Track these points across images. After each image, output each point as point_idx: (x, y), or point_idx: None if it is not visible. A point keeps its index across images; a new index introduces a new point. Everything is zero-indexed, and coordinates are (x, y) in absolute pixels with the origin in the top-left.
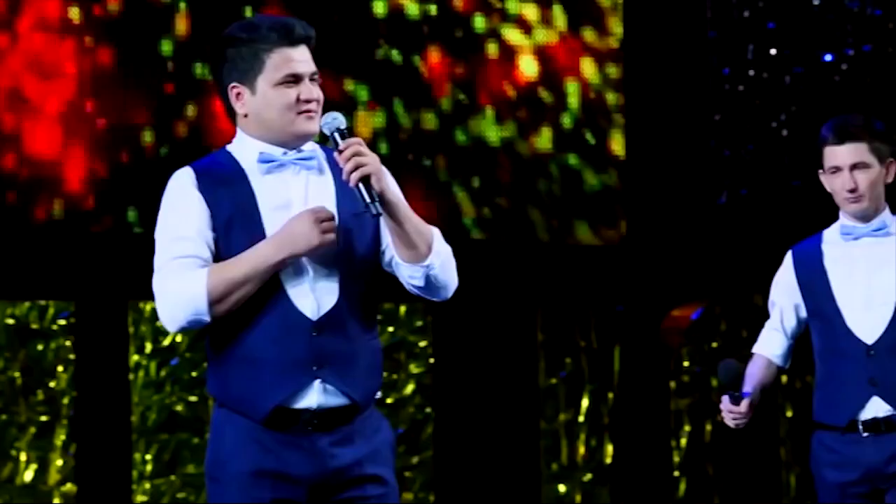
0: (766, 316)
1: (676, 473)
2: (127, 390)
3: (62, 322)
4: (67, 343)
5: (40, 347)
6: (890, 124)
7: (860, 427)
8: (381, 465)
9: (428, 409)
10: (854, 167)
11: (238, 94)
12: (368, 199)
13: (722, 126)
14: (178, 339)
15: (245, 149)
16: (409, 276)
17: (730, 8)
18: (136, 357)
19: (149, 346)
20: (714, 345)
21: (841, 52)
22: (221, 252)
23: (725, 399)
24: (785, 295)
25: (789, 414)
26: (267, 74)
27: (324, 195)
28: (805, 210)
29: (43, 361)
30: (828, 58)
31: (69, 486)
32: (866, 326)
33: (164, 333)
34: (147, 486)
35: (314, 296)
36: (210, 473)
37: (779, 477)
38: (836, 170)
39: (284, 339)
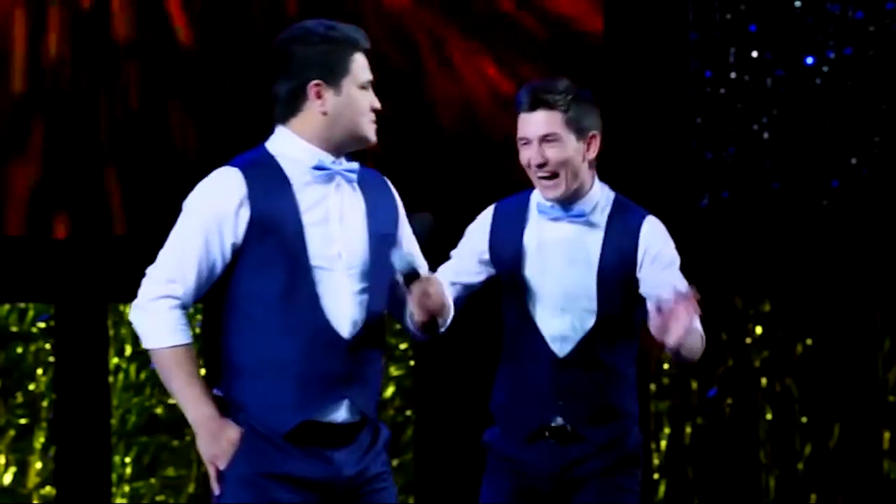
0: (748, 318)
1: (656, 476)
2: (107, 393)
3: (42, 325)
4: (47, 346)
5: (20, 350)
6: (872, 127)
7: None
8: (383, 464)
9: (408, 412)
10: (544, 139)
11: (319, 92)
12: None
13: (703, 129)
14: None
15: (293, 151)
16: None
17: (712, 11)
18: (115, 360)
19: (129, 349)
20: None
21: (822, 55)
22: (249, 259)
23: None
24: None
25: (769, 416)
26: (353, 76)
27: (356, 214)
28: (786, 212)
29: (22, 364)
30: (809, 61)
31: (48, 489)
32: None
33: None
34: (126, 489)
35: (349, 315)
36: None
37: (758, 479)
38: (525, 141)
39: (318, 356)
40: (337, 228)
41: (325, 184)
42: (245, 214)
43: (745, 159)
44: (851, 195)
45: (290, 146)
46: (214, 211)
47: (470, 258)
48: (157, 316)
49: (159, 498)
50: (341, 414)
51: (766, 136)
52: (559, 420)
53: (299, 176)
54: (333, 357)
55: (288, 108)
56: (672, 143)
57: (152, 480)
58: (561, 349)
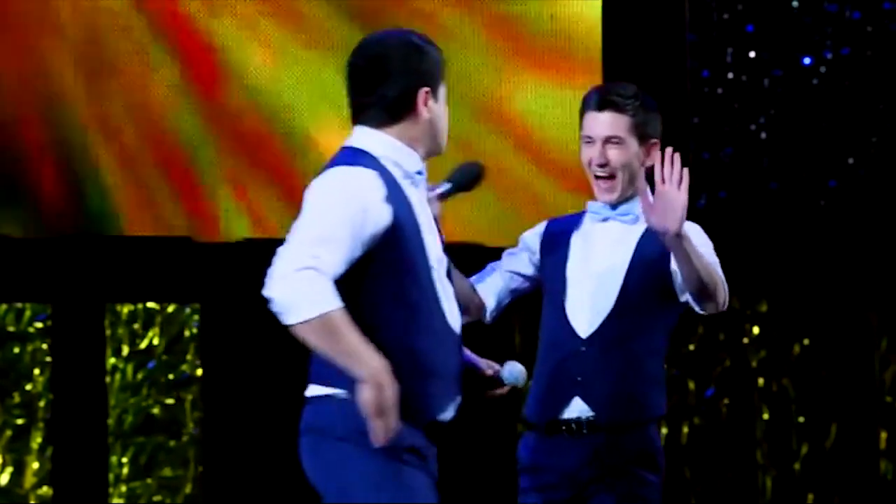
0: (745, 318)
1: None
2: (104, 393)
3: (39, 325)
4: (44, 346)
5: (17, 350)
6: (870, 127)
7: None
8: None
9: None
10: (608, 141)
11: (426, 99)
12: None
13: (701, 129)
14: (156, 341)
15: (397, 155)
16: None
17: (709, 11)
18: (112, 360)
19: (125, 349)
20: (691, 347)
21: (820, 55)
22: (381, 258)
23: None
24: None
25: (766, 416)
26: (443, 87)
27: (430, 215)
28: (784, 213)
29: (19, 364)
30: (806, 61)
31: (45, 489)
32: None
33: (141, 336)
34: (123, 489)
35: (455, 315)
36: (358, 439)
37: (755, 479)
38: (589, 140)
39: (443, 353)
40: (434, 231)
41: (417, 188)
42: (387, 212)
43: (743, 159)
44: (849, 195)
45: (392, 150)
46: (360, 201)
47: (522, 253)
48: (310, 283)
49: (156, 498)
50: (450, 412)
51: (763, 136)
52: (578, 402)
53: (400, 179)
54: (453, 355)
55: (391, 112)
56: (669, 142)
57: (149, 480)
58: (584, 331)
